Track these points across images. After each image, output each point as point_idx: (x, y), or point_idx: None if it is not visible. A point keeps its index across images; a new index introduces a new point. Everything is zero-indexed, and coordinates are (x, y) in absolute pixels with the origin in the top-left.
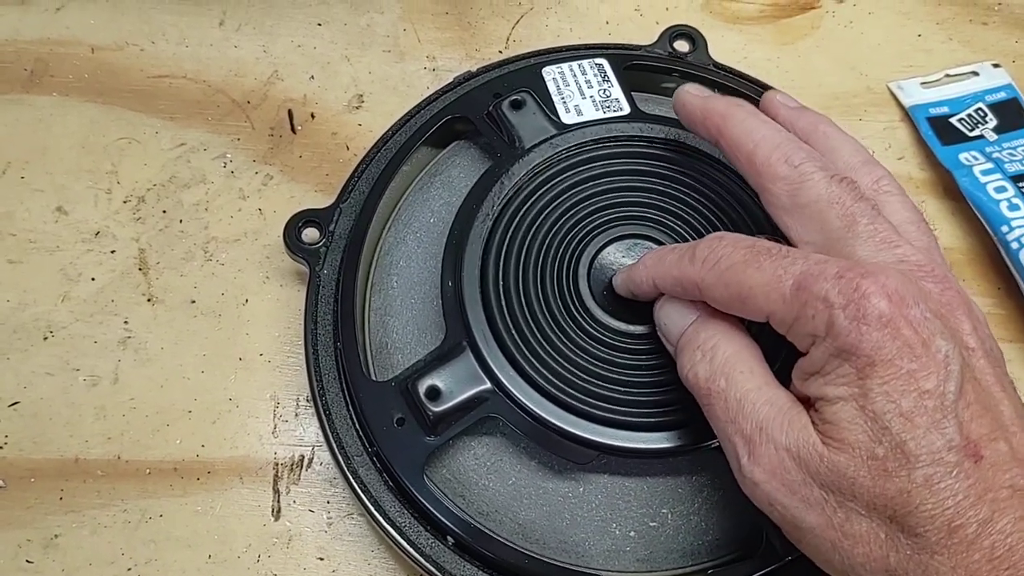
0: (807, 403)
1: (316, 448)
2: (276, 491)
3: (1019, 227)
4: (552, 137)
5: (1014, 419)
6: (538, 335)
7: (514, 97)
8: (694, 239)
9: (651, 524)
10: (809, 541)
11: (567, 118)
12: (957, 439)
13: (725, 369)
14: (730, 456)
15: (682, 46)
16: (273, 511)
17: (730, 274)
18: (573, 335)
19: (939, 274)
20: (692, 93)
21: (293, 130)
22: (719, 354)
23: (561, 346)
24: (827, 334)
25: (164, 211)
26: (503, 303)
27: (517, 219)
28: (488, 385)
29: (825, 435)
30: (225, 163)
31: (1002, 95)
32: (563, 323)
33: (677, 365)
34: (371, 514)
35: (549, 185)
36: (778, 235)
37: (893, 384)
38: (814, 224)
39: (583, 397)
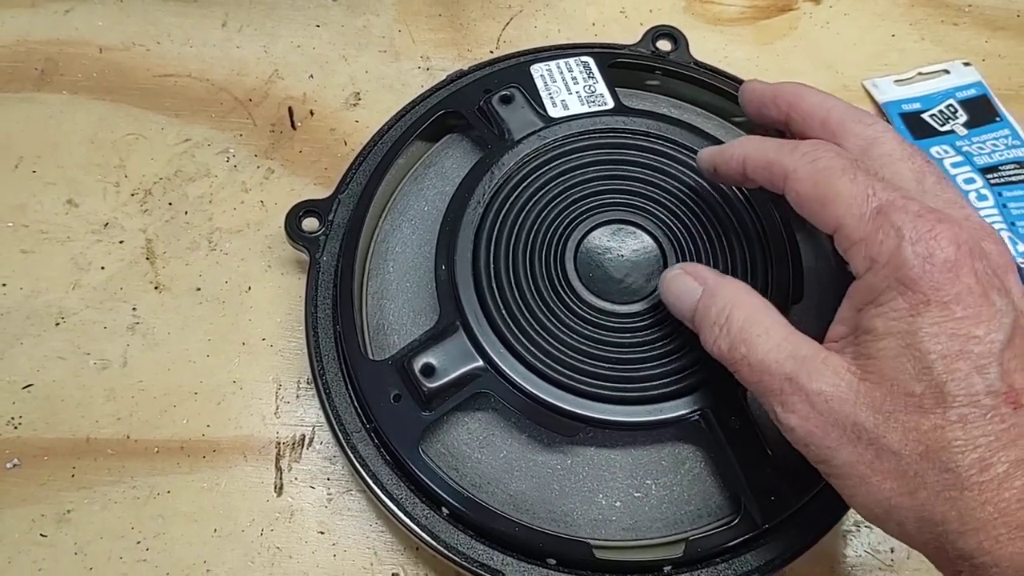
0: (855, 333)
1: (316, 428)
2: (278, 469)
3: (987, 217)
4: (540, 129)
5: None
6: (527, 315)
7: (504, 92)
8: (675, 225)
9: (636, 495)
10: (838, 477)
11: (554, 112)
12: (998, 384)
13: (743, 335)
14: (768, 410)
15: (664, 45)
16: (276, 487)
17: (824, 175)
18: (560, 314)
19: (997, 239)
20: (759, 81)
21: (293, 126)
22: (734, 322)
23: (549, 325)
24: (890, 262)
25: (170, 203)
26: (494, 285)
27: (507, 206)
28: (480, 362)
29: (864, 369)
30: (228, 158)
31: (972, 92)
32: (551, 303)
33: (700, 340)
34: (369, 487)
35: (537, 174)
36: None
37: (944, 326)
38: (886, 174)
39: (570, 373)
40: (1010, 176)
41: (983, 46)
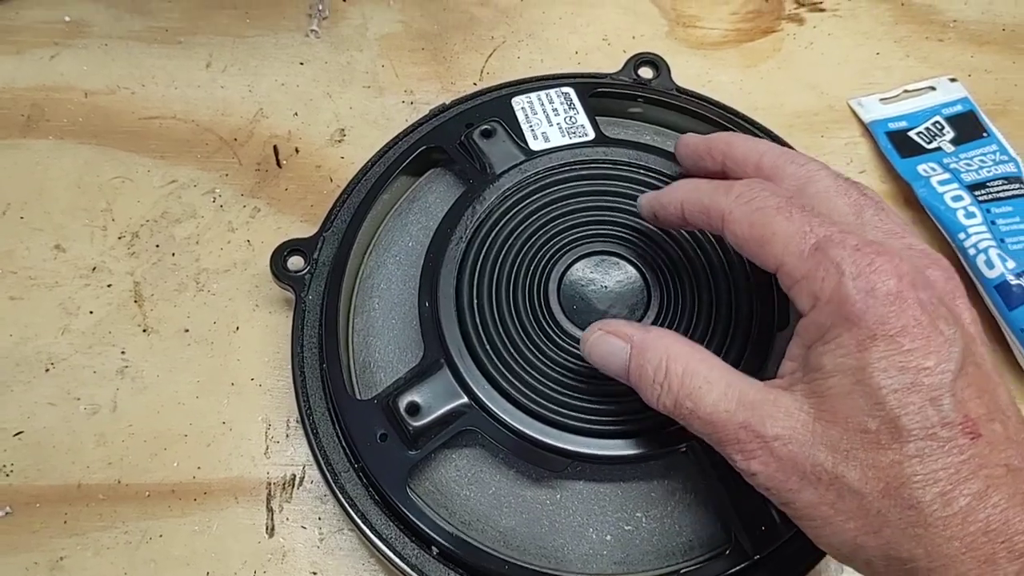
0: (804, 371)
1: (307, 467)
2: (269, 509)
3: (975, 234)
4: (521, 163)
5: (1008, 404)
6: (511, 350)
7: (484, 127)
8: (656, 255)
9: (626, 528)
10: (803, 519)
11: (535, 145)
12: (952, 416)
13: (685, 391)
14: (727, 458)
15: (646, 73)
16: (267, 528)
17: (759, 215)
18: (545, 349)
19: (943, 264)
20: (693, 135)
21: (279, 164)
22: (673, 377)
23: (534, 359)
24: (832, 299)
25: (157, 245)
26: (477, 320)
27: (489, 240)
28: (465, 399)
29: (818, 408)
30: (214, 198)
31: (958, 108)
32: (535, 338)
33: (642, 398)
34: (359, 527)
35: (518, 208)
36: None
37: (892, 359)
38: (823, 210)
39: (555, 408)
40: (998, 192)
41: (969, 61)
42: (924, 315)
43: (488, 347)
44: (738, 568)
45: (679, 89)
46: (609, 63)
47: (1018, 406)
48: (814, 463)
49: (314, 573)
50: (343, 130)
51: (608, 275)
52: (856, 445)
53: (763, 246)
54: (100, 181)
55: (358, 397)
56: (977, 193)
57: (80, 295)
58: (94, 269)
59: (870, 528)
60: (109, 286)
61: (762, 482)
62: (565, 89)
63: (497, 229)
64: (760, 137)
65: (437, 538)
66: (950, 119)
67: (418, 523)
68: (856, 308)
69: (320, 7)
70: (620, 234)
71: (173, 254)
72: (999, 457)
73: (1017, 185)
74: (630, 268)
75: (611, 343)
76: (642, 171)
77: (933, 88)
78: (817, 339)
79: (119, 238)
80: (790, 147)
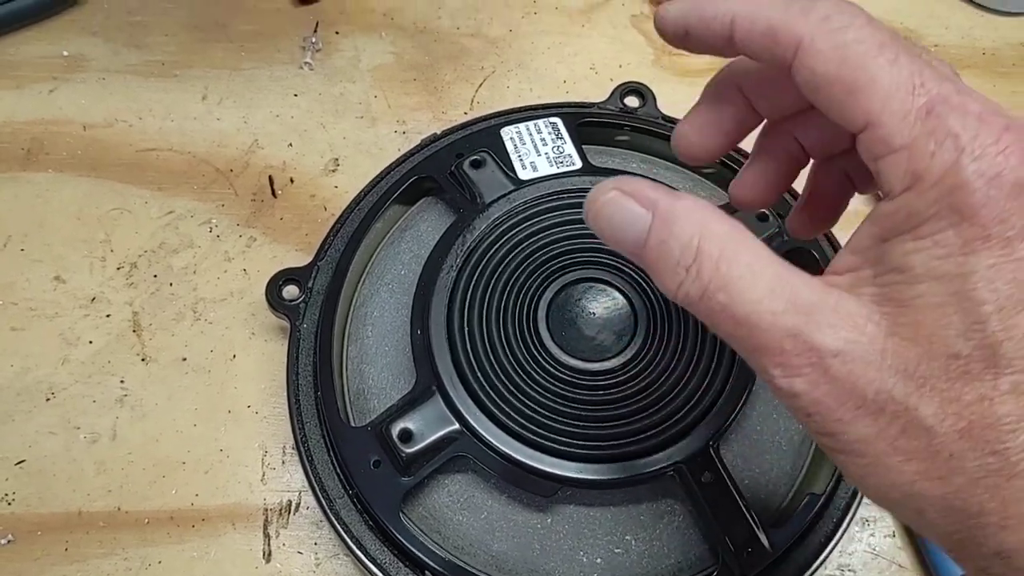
0: (877, 269)
1: (302, 493)
2: (266, 535)
3: None
4: (510, 192)
5: None
6: (502, 376)
7: (474, 157)
8: (644, 280)
9: (616, 551)
10: (848, 453)
11: (523, 174)
12: None
13: (720, 279)
14: (758, 371)
15: (632, 101)
16: (264, 554)
17: (854, 49)
18: (535, 375)
19: None
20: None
21: (274, 194)
22: (704, 260)
23: (524, 386)
24: (942, 181)
25: (155, 275)
26: (468, 348)
27: (479, 269)
28: (457, 426)
29: (894, 321)
30: (211, 228)
31: None
32: (525, 364)
33: (654, 282)
34: (354, 553)
35: (507, 237)
36: None
37: (1005, 269)
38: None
39: (545, 433)
40: None
41: None
42: None
43: (479, 374)
44: None
45: (665, 117)
46: (597, 91)
47: None
48: (879, 389)
49: None
50: (337, 160)
51: (596, 302)
52: (938, 372)
53: (853, 94)
54: (99, 213)
55: (352, 424)
56: None
57: (80, 325)
58: (93, 299)
59: (936, 473)
60: (108, 316)
61: (804, 405)
62: (553, 119)
63: (487, 258)
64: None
65: (430, 563)
66: None
67: (411, 548)
68: (973, 198)
69: (313, 40)
70: (607, 261)
71: (171, 284)
72: None
73: None
74: (617, 294)
75: (627, 209)
76: None
77: None
78: (906, 231)
79: (118, 269)
80: None
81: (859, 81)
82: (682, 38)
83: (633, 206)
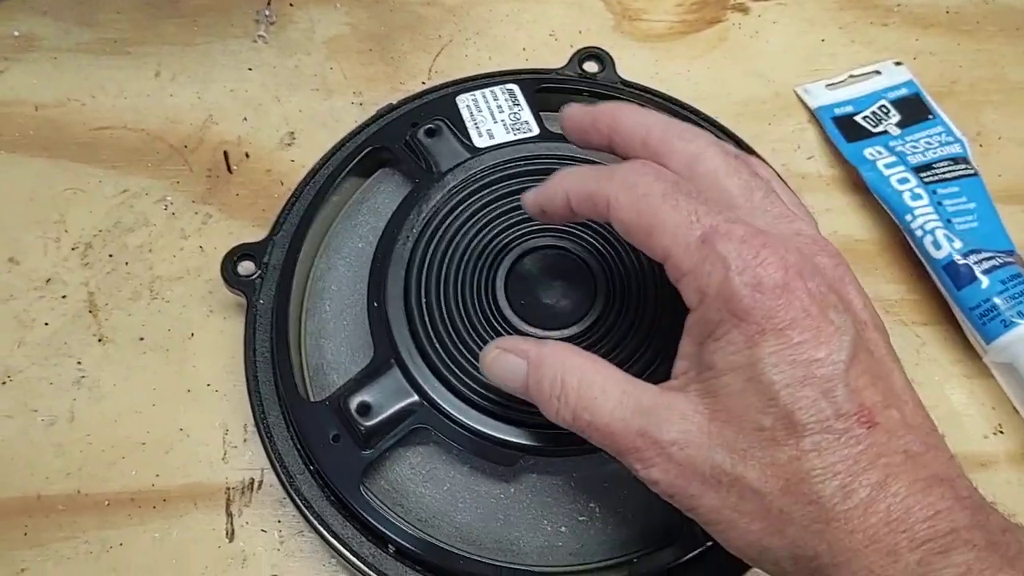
0: (697, 370)
1: (264, 470)
2: (229, 514)
3: (922, 215)
4: (465, 161)
5: (904, 389)
6: (460, 347)
7: (429, 125)
8: (602, 246)
9: (581, 518)
10: (709, 523)
11: (480, 142)
12: (847, 406)
13: (582, 402)
14: (628, 468)
15: (591, 67)
16: (227, 533)
17: (645, 202)
18: None
19: (832, 250)
20: (578, 106)
21: (229, 170)
22: (569, 390)
23: None
24: (719, 294)
25: (110, 255)
26: (426, 319)
27: (436, 239)
28: (415, 398)
29: (712, 408)
30: (166, 206)
31: (904, 91)
32: (483, 333)
33: (543, 413)
34: (316, 529)
35: (464, 206)
36: None
37: (783, 354)
38: (711, 194)
39: (504, 402)
40: (944, 173)
41: (913, 44)
42: (813, 305)
43: (437, 345)
44: (691, 555)
45: (624, 82)
46: (556, 58)
47: (915, 390)
48: (712, 465)
49: None
50: (293, 133)
51: (554, 269)
52: (753, 444)
53: (650, 236)
54: (52, 193)
55: (311, 399)
56: (923, 175)
57: (35, 307)
58: (48, 281)
59: (774, 528)
60: (64, 297)
61: (664, 489)
62: (509, 86)
63: (443, 227)
64: (704, 128)
65: (393, 536)
66: (896, 102)
67: (374, 522)
68: (743, 304)
69: (267, 12)
70: (564, 228)
71: (126, 263)
72: (897, 444)
73: (963, 166)
74: (576, 261)
75: (508, 361)
76: (586, 165)
77: (878, 72)
78: (707, 336)
79: (72, 249)
80: (736, 138)
81: (652, 225)
82: (541, 215)
83: (512, 358)
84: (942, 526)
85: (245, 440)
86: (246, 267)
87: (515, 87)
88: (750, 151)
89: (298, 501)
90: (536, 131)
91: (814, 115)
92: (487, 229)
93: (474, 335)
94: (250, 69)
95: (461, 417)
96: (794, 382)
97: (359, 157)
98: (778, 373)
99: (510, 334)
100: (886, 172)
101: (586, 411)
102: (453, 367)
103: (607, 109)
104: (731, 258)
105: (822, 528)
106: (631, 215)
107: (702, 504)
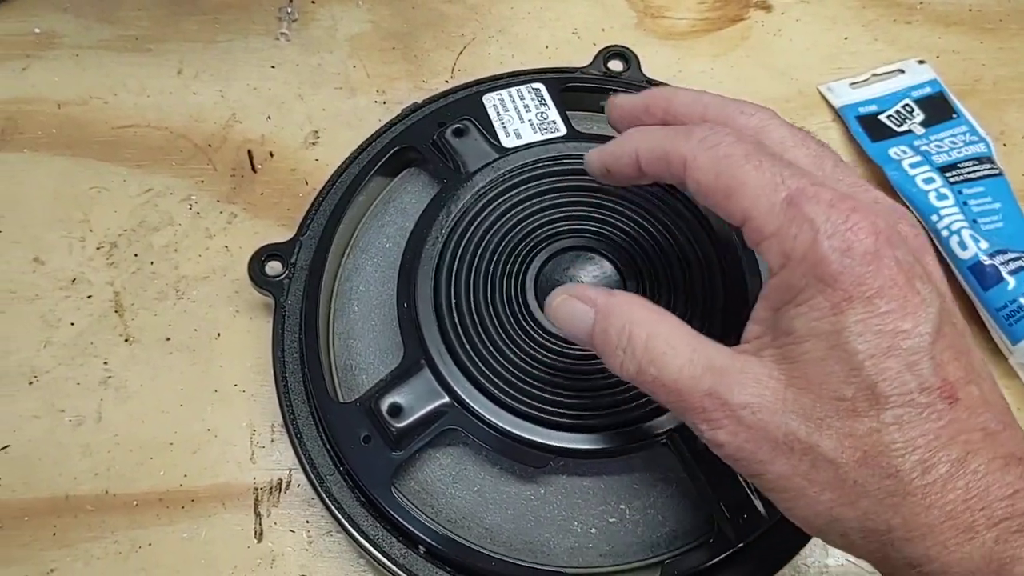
0: (773, 335)
1: (293, 471)
2: (257, 514)
3: (948, 215)
4: (494, 161)
5: (983, 365)
6: (490, 348)
7: (456, 125)
8: (631, 248)
9: (611, 520)
10: (774, 490)
11: (507, 142)
12: (931, 380)
13: (649, 356)
14: (692, 428)
15: (616, 65)
16: (256, 533)
17: (726, 162)
18: (523, 345)
19: (911, 220)
20: (624, 94)
21: (253, 169)
22: (636, 343)
23: (512, 356)
24: (806, 258)
25: (136, 254)
26: (456, 320)
27: (465, 239)
28: (446, 399)
29: (789, 375)
30: (191, 205)
31: (927, 90)
32: (513, 335)
33: (606, 365)
34: (346, 529)
35: (493, 206)
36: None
37: (869, 323)
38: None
39: (535, 404)
40: (969, 173)
41: (936, 43)
42: (900, 274)
43: (467, 346)
44: (722, 556)
45: (649, 81)
46: (579, 57)
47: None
48: (786, 432)
49: None
50: (316, 132)
51: (584, 270)
52: (831, 413)
53: (729, 197)
54: (76, 192)
55: (340, 400)
56: (948, 175)
57: (61, 307)
58: (74, 280)
59: (846, 499)
60: (89, 297)
61: (730, 452)
62: (536, 85)
63: (472, 228)
64: None
65: (424, 537)
66: (919, 101)
67: (404, 523)
68: (832, 269)
69: (289, 10)
70: (594, 228)
71: (152, 263)
72: (977, 421)
73: (988, 166)
74: (605, 263)
75: (575, 307)
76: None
77: (902, 71)
78: (788, 301)
79: (97, 248)
80: None
81: (732, 186)
82: (605, 175)
83: (579, 305)
84: (1021, 505)
85: (272, 440)
86: (274, 267)
87: (541, 86)
88: None
89: (328, 502)
90: (563, 131)
91: (838, 114)
92: (517, 229)
93: (504, 335)
94: (273, 67)
95: (492, 419)
96: (879, 353)
97: (386, 157)
98: (863, 343)
99: (540, 335)
100: (911, 172)
101: (652, 365)
102: (484, 368)
103: (659, 91)
104: (820, 221)
105: (898, 502)
106: (709, 176)
107: (770, 470)
